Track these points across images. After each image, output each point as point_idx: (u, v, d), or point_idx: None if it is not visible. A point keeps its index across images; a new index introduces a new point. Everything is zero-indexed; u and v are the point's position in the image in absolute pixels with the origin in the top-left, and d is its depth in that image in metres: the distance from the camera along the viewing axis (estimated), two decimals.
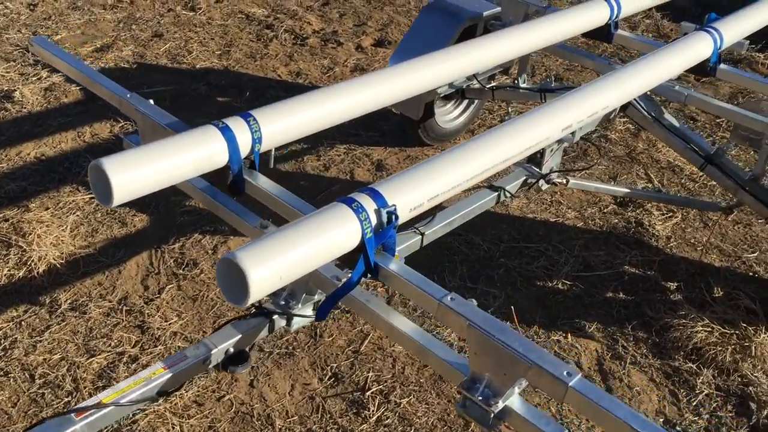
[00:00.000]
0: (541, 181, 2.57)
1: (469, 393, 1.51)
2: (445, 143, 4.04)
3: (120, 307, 2.81)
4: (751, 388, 2.64)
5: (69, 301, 2.82)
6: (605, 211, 3.59)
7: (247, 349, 1.88)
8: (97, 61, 4.67)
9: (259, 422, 2.42)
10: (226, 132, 1.84)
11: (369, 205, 1.61)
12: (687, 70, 2.76)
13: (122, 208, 3.31)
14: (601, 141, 4.17)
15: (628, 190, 3.37)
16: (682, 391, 2.64)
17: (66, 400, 2.43)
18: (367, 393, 2.53)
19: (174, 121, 2.08)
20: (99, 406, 1.59)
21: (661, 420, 2.53)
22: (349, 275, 1.66)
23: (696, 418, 2.54)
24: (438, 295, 1.56)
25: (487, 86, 3.54)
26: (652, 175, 3.92)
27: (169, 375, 1.69)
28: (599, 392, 1.36)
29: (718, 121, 4.41)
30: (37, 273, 2.94)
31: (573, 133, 2.53)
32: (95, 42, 4.92)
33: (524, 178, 2.54)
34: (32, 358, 2.57)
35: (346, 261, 1.66)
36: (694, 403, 2.59)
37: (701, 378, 2.68)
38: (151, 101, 2.16)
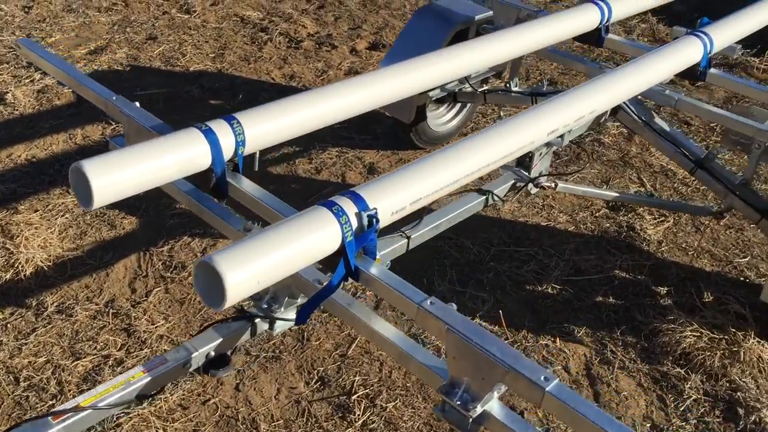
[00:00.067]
0: (530, 185, 2.57)
1: (447, 397, 1.50)
2: (438, 147, 4.03)
3: (107, 309, 2.80)
4: (739, 393, 2.63)
5: (55, 304, 2.81)
6: (597, 215, 3.58)
7: (228, 352, 1.88)
8: (90, 63, 4.67)
9: (244, 426, 2.41)
10: (209, 135, 1.84)
11: (350, 208, 1.61)
12: (677, 74, 2.76)
13: (111, 210, 3.30)
14: (594, 145, 4.17)
15: (618, 194, 3.36)
16: (669, 396, 2.63)
17: (50, 403, 2.42)
18: (353, 397, 2.52)
19: (159, 124, 2.08)
20: (77, 409, 1.58)
21: (648, 425, 2.52)
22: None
23: (683, 424, 2.53)
24: (417, 298, 1.55)
25: (479, 90, 3.54)
26: (644, 179, 3.92)
27: (149, 378, 1.69)
28: (576, 397, 1.36)
29: (712, 125, 4.41)
30: (24, 275, 2.93)
31: (562, 137, 2.53)
32: (89, 44, 4.92)
33: (513, 181, 2.53)
34: (17, 361, 2.56)
35: (329, 265, 1.66)
36: (682, 408, 2.58)
37: (689, 383, 2.67)
38: (137, 103, 2.16)
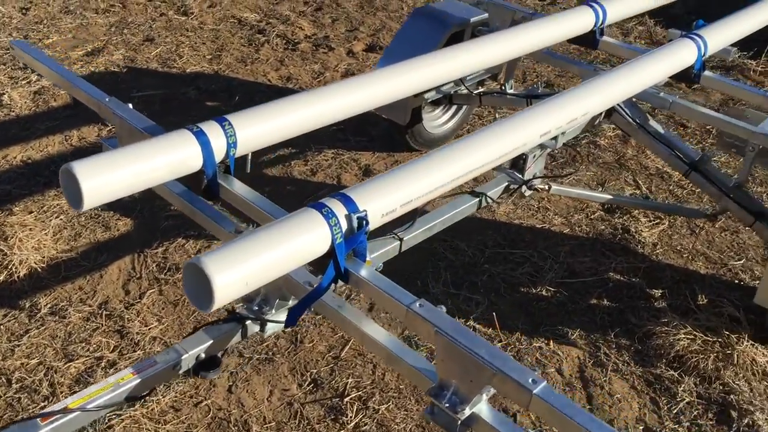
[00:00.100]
0: (524, 187, 2.57)
1: (436, 400, 1.50)
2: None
3: (100, 311, 2.80)
4: (732, 396, 2.63)
5: (49, 306, 2.81)
6: (592, 217, 3.58)
7: (220, 354, 1.87)
8: (87, 65, 4.67)
9: (236, 428, 2.41)
10: (201, 136, 1.83)
11: (339, 210, 1.60)
12: (671, 76, 2.76)
13: (106, 211, 3.30)
14: (590, 147, 4.17)
15: (612, 197, 3.36)
16: (663, 398, 2.63)
17: (42, 404, 2.41)
18: (346, 399, 2.52)
19: (151, 125, 2.08)
20: (65, 411, 1.58)
21: (641, 428, 2.52)
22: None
23: (676, 426, 2.53)
24: (406, 301, 1.55)
25: (475, 92, 3.54)
26: (640, 182, 3.92)
27: (138, 380, 1.68)
28: (564, 400, 1.35)
29: (708, 128, 4.41)
30: (18, 277, 2.93)
31: (555, 139, 2.53)
32: (86, 46, 4.92)
33: (506, 183, 2.53)
34: (9, 363, 2.56)
35: (319, 266, 1.65)
36: (675, 411, 2.58)
37: (683, 386, 2.67)
38: (131, 105, 2.16)
